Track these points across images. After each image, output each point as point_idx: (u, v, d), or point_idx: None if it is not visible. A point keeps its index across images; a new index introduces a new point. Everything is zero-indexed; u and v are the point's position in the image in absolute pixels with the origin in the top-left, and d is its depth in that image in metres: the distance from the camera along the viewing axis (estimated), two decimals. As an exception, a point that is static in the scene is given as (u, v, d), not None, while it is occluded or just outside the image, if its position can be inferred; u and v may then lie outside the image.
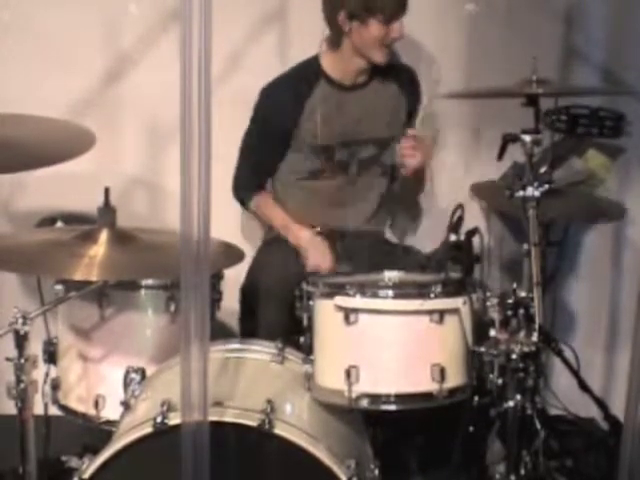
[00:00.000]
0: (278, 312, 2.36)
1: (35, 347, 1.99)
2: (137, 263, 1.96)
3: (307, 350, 1.97)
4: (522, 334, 1.93)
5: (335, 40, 2.62)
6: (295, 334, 2.06)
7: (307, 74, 2.67)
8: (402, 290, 1.88)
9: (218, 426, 1.67)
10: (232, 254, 2.11)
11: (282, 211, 2.71)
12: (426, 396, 1.84)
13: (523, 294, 1.97)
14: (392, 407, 1.85)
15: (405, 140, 2.57)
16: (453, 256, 1.97)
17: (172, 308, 2.13)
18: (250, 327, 2.48)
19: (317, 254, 2.54)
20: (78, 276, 1.88)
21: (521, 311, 1.95)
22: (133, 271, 1.99)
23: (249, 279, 2.58)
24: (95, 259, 1.89)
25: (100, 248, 1.93)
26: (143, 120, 2.90)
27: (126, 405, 1.97)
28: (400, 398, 1.84)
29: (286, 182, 2.76)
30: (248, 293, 2.55)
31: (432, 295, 1.84)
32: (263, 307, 2.43)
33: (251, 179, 2.73)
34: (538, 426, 2.02)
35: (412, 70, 2.80)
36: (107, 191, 2.01)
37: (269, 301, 2.41)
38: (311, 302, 1.95)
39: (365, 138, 2.68)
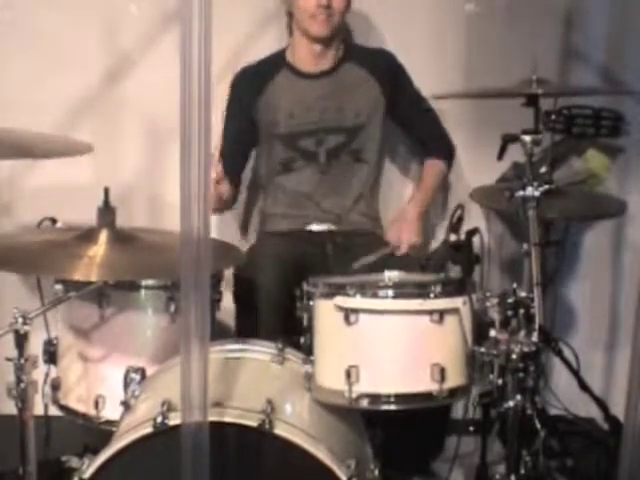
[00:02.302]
0: (275, 311, 2.35)
1: (35, 347, 1.99)
2: (137, 263, 1.96)
3: (307, 350, 1.96)
4: (522, 334, 1.93)
5: (288, 25, 2.68)
6: (295, 334, 2.06)
7: (270, 63, 2.72)
8: (402, 290, 1.87)
9: (218, 426, 1.67)
10: (231, 254, 2.11)
11: None
12: (426, 396, 1.84)
13: (523, 294, 1.97)
14: (392, 407, 1.85)
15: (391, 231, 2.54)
16: (453, 256, 1.97)
17: (172, 308, 2.13)
18: (248, 329, 2.44)
19: None
20: (78, 276, 1.88)
21: (521, 311, 1.95)
22: (133, 271, 1.99)
23: (241, 280, 2.55)
24: (95, 259, 1.89)
25: (100, 248, 1.93)
26: (143, 120, 2.90)
27: (126, 405, 1.97)
28: (400, 398, 1.84)
29: (266, 182, 2.78)
30: (241, 294, 2.53)
31: (432, 295, 1.84)
32: (259, 307, 2.40)
33: None
34: (538, 426, 2.02)
35: (386, 52, 2.78)
36: (107, 191, 2.01)
37: (264, 302, 2.40)
38: (311, 302, 1.95)
39: (332, 126, 2.68)
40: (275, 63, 2.71)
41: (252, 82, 2.69)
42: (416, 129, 2.83)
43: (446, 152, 2.85)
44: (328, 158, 2.70)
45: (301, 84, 2.69)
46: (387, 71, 2.74)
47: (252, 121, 2.70)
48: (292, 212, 2.73)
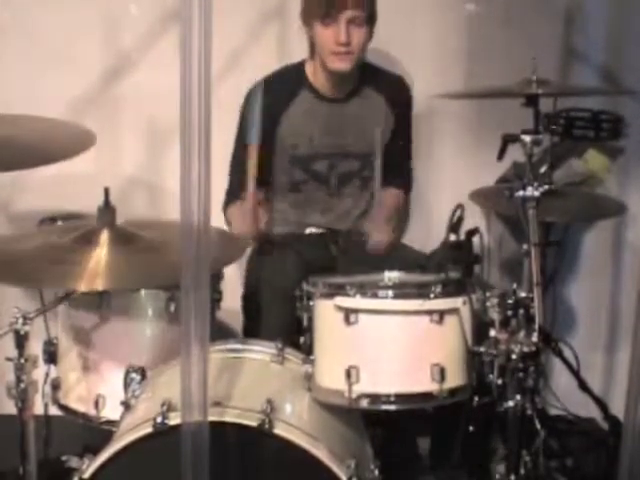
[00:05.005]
0: (281, 315, 2.34)
1: (35, 347, 1.99)
2: (140, 268, 1.94)
3: (307, 350, 1.97)
4: (522, 334, 1.92)
5: (310, 48, 2.61)
6: (295, 334, 2.06)
7: (291, 79, 2.65)
8: (402, 290, 1.88)
9: (218, 426, 1.67)
10: (234, 245, 2.12)
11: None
12: (426, 396, 1.84)
13: (523, 294, 1.96)
14: (392, 407, 1.85)
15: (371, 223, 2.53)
16: (453, 256, 1.97)
17: (172, 308, 2.12)
18: (255, 333, 2.43)
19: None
20: (82, 287, 1.87)
21: (521, 311, 1.94)
22: (136, 279, 1.97)
23: (248, 286, 2.56)
24: (98, 266, 1.88)
25: (101, 251, 1.92)
26: (143, 120, 2.90)
27: (126, 405, 1.97)
28: (400, 398, 1.84)
29: (270, 196, 2.75)
30: (249, 299, 2.54)
31: (432, 295, 1.84)
32: (266, 311, 2.41)
33: (232, 190, 2.66)
34: (538, 426, 2.01)
35: (399, 78, 2.76)
36: (107, 191, 2.01)
37: (271, 305, 2.40)
38: (311, 302, 1.96)
39: (346, 152, 2.66)
40: (295, 81, 2.64)
41: (271, 100, 2.56)
42: (392, 159, 2.72)
43: (409, 187, 2.87)
44: (339, 183, 2.68)
45: (322, 108, 2.64)
46: (401, 102, 2.73)
47: (271, 138, 2.62)
48: (298, 220, 2.73)
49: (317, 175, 2.67)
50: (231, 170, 2.68)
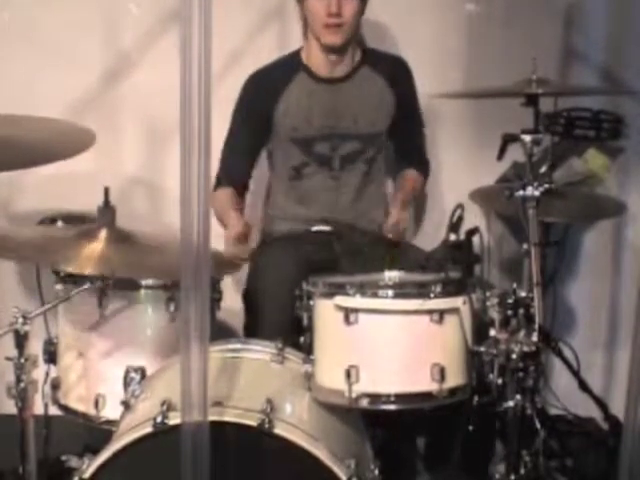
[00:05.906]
0: (282, 313, 2.34)
1: (35, 347, 1.99)
2: (136, 262, 1.96)
3: (307, 350, 1.96)
4: (522, 334, 1.92)
5: (303, 28, 2.64)
6: (295, 334, 2.06)
7: (287, 65, 2.68)
8: (402, 290, 1.87)
9: (218, 426, 1.67)
10: (228, 264, 2.17)
11: (225, 202, 2.57)
12: (426, 396, 1.84)
13: (523, 294, 1.97)
14: (392, 407, 1.85)
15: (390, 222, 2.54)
16: (453, 256, 1.97)
17: (172, 308, 2.13)
18: (255, 331, 2.43)
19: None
20: (73, 268, 1.91)
21: (521, 311, 1.95)
22: (132, 269, 1.99)
23: (250, 283, 2.56)
24: (94, 253, 1.91)
25: (99, 245, 1.94)
26: (143, 120, 2.90)
27: (126, 405, 1.97)
28: (400, 398, 1.84)
29: (275, 185, 2.77)
30: (250, 297, 2.54)
31: (432, 295, 1.84)
32: (267, 310, 2.40)
33: (220, 175, 2.67)
34: (538, 426, 2.02)
35: (401, 60, 2.76)
36: (107, 191, 2.01)
37: (272, 303, 2.40)
38: (311, 302, 1.96)
39: (347, 133, 2.66)
40: (291, 66, 2.67)
41: (268, 86, 2.64)
42: (406, 142, 2.80)
43: (426, 171, 2.87)
44: (342, 164, 2.68)
45: (319, 89, 2.65)
46: (402, 82, 2.73)
47: (267, 126, 2.66)
48: (300, 215, 2.72)
49: (319, 157, 2.67)
50: (222, 155, 2.66)
